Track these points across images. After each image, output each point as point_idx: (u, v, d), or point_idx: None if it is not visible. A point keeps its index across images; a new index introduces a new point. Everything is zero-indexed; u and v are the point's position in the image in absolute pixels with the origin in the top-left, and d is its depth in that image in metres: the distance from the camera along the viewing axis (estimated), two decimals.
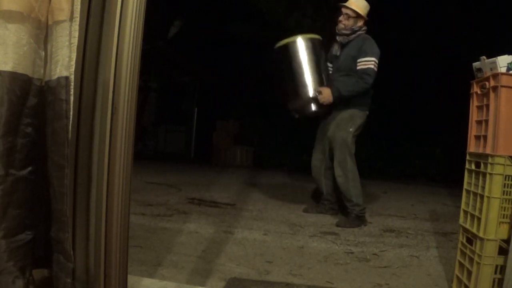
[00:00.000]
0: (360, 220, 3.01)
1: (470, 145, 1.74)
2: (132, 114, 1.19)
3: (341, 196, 3.16)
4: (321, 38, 3.10)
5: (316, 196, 3.73)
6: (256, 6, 7.31)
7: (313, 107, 3.01)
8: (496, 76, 1.56)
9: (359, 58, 3.00)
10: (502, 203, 1.51)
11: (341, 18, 3.11)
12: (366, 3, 3.11)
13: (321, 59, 3.09)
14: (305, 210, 3.41)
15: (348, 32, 3.08)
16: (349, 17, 3.07)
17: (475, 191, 1.64)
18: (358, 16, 3.07)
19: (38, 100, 1.21)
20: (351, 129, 3.06)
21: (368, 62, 2.97)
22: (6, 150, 1.14)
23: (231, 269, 1.94)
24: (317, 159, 3.32)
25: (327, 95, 2.96)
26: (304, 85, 2.98)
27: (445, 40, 6.74)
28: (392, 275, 1.99)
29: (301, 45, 2.98)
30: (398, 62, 6.83)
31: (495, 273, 1.52)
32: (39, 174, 1.24)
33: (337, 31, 3.15)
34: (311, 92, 2.96)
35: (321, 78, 3.03)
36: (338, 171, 3.07)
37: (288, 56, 2.99)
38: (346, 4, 3.10)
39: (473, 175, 1.69)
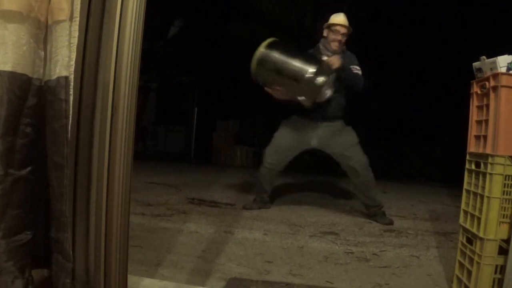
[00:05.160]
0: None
1: (470, 145, 1.74)
2: (132, 114, 1.19)
3: (365, 202, 3.26)
4: (277, 39, 3.08)
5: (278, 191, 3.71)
6: (256, 6, 7.31)
7: (319, 79, 2.86)
8: (496, 76, 1.56)
9: (351, 65, 3.08)
10: (502, 203, 1.51)
11: (339, 37, 3.11)
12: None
13: (293, 49, 3.10)
14: (247, 207, 3.39)
15: (342, 49, 3.16)
16: (345, 35, 3.13)
17: (475, 191, 1.64)
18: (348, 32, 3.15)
19: (38, 100, 1.21)
20: (360, 147, 3.19)
21: (359, 71, 3.07)
22: (6, 150, 1.14)
23: (231, 269, 1.94)
24: (276, 160, 3.30)
25: (335, 58, 2.96)
26: (298, 70, 2.88)
27: (445, 40, 6.74)
28: (392, 275, 1.99)
29: (268, 52, 2.94)
30: (398, 62, 6.83)
31: (495, 273, 1.52)
32: (38, 174, 1.23)
33: (332, 51, 3.13)
34: (309, 69, 2.84)
35: (309, 57, 3.00)
36: (365, 178, 3.17)
37: (267, 67, 2.94)
38: (342, 23, 3.12)
39: (473, 175, 1.68)
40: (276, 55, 2.90)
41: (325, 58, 3.01)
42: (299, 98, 2.95)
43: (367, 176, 3.16)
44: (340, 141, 3.18)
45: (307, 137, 3.22)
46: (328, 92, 2.98)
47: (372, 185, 3.19)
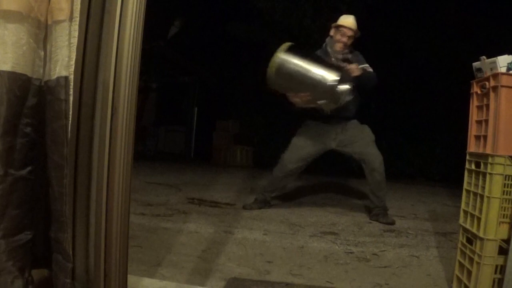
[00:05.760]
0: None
1: (470, 145, 1.74)
2: (132, 114, 1.19)
3: (373, 200, 3.27)
4: (293, 44, 3.01)
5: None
6: (256, 6, 7.30)
7: (343, 87, 2.82)
8: (496, 76, 1.56)
9: (361, 64, 3.11)
10: (502, 203, 1.51)
11: (344, 39, 3.11)
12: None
13: (311, 54, 3.07)
14: (247, 207, 3.40)
15: (347, 50, 3.17)
16: (351, 37, 3.13)
17: (475, 191, 1.64)
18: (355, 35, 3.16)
19: (38, 100, 1.21)
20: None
21: (371, 69, 3.11)
22: (5, 150, 1.14)
23: (231, 269, 1.94)
24: (297, 165, 3.29)
25: (355, 67, 2.98)
26: (321, 77, 2.83)
27: (445, 40, 6.74)
28: (392, 275, 1.99)
29: (286, 59, 2.86)
30: (398, 62, 6.83)
31: (495, 273, 1.52)
32: (38, 174, 1.23)
33: (336, 51, 3.14)
34: (332, 77, 2.80)
35: (328, 64, 2.96)
36: (381, 177, 3.19)
37: (286, 74, 2.86)
38: (348, 25, 3.11)
39: (473, 175, 1.68)
40: (296, 62, 2.84)
41: (344, 64, 3.01)
42: (320, 103, 2.91)
43: (382, 174, 3.18)
44: (358, 139, 3.20)
45: (326, 139, 3.23)
46: (348, 97, 2.93)
47: (384, 185, 3.21)
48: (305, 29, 6.97)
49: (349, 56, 3.16)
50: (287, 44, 2.92)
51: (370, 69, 3.12)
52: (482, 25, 6.28)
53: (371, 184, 3.24)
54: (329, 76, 2.79)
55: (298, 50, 2.97)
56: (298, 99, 2.94)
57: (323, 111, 3.01)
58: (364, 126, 3.26)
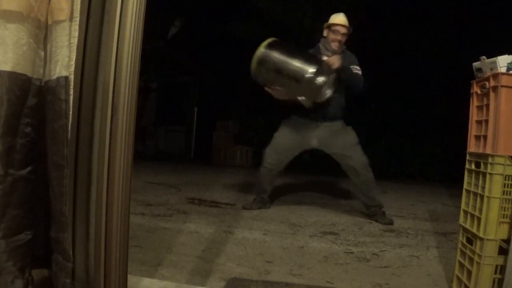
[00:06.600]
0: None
1: (470, 145, 1.74)
2: (132, 114, 1.19)
3: (365, 201, 3.27)
4: (277, 39, 3.06)
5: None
6: (256, 6, 7.31)
7: (319, 79, 2.83)
8: (496, 76, 1.56)
9: (351, 65, 3.12)
10: (502, 203, 1.51)
11: (339, 37, 3.12)
12: None
13: (293, 49, 3.08)
14: (247, 207, 3.39)
15: (340, 50, 3.17)
16: (345, 35, 3.14)
17: (475, 191, 1.64)
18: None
19: (38, 100, 1.21)
20: (360, 148, 3.20)
21: (359, 71, 3.11)
22: (6, 150, 1.14)
23: (231, 269, 1.94)
24: (276, 159, 3.30)
25: (335, 58, 2.96)
26: (298, 69, 2.86)
27: (445, 40, 6.74)
28: (392, 275, 1.99)
29: (268, 52, 2.92)
30: (398, 62, 6.83)
31: (495, 273, 1.52)
32: (38, 174, 1.24)
33: (331, 51, 3.14)
34: (309, 69, 2.83)
35: (309, 57, 2.99)
36: (366, 178, 3.17)
37: (267, 67, 2.92)
38: (342, 23, 3.13)
39: (473, 175, 1.68)
40: (276, 55, 2.89)
41: (325, 58, 3.03)
42: (299, 98, 2.94)
43: (367, 176, 3.16)
44: (340, 141, 3.19)
45: (307, 137, 3.23)
46: (328, 92, 2.97)
47: (372, 185, 3.19)
48: (305, 29, 6.97)
49: (342, 56, 3.14)
50: (271, 39, 2.97)
51: (359, 71, 3.12)
52: (482, 25, 6.28)
53: (358, 185, 3.24)
54: (307, 67, 2.82)
55: (280, 45, 3.01)
56: (278, 92, 2.97)
57: (305, 106, 3.01)
58: (348, 128, 3.25)
